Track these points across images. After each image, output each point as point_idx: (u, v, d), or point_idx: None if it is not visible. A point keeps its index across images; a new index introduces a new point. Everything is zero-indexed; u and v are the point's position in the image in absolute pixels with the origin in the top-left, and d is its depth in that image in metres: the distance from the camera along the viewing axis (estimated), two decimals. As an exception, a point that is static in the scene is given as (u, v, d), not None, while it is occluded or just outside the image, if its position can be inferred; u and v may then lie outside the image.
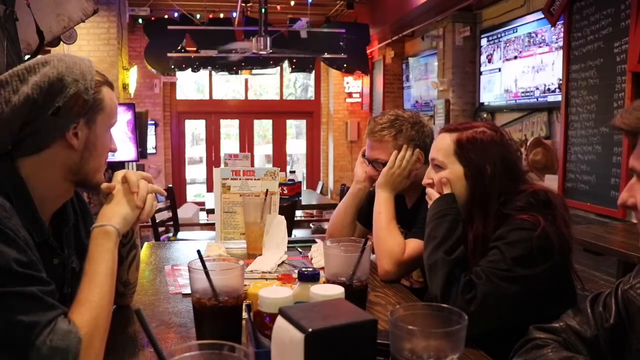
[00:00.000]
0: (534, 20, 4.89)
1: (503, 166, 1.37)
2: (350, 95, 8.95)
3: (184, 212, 6.63)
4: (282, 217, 1.91)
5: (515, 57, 5.22)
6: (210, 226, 5.76)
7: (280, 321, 0.74)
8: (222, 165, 4.82)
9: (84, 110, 1.07)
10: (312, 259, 1.78)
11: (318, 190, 8.29)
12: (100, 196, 1.17)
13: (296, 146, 10.39)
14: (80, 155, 1.10)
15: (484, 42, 5.80)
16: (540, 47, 4.85)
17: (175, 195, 4.91)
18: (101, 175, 1.16)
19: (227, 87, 10.35)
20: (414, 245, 1.67)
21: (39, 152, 1.06)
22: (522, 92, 5.13)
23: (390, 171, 1.79)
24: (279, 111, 9.47)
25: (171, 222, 5.00)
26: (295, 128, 10.61)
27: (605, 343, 1.02)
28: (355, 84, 8.91)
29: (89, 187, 1.17)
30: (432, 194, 1.46)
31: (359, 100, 8.95)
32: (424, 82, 7.29)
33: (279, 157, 9.47)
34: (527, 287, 1.25)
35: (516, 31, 5.19)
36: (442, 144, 1.44)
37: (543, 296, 1.29)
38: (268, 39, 5.71)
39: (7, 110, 1.02)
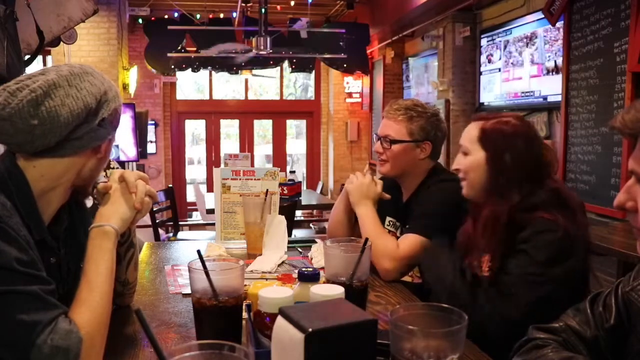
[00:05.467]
0: (534, 20, 4.89)
1: (524, 157, 1.41)
2: (350, 95, 8.95)
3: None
4: (282, 217, 1.91)
5: (515, 57, 5.22)
6: (210, 226, 5.76)
7: (280, 321, 0.75)
8: (222, 165, 4.82)
9: (117, 124, 1.17)
10: (312, 259, 1.79)
11: (318, 190, 8.29)
12: (97, 196, 1.17)
13: (296, 146, 10.40)
14: (97, 162, 1.15)
15: (484, 42, 5.80)
16: (540, 47, 4.85)
17: (175, 195, 4.91)
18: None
19: (227, 87, 10.36)
20: (409, 240, 1.67)
21: (68, 156, 1.08)
22: (522, 92, 5.13)
23: (354, 185, 1.83)
24: (279, 111, 9.47)
25: (171, 222, 5.00)
26: (295, 128, 10.61)
27: (605, 343, 1.02)
28: (355, 84, 8.90)
29: (85, 193, 1.20)
30: None
31: (359, 100, 8.95)
32: (424, 82, 7.29)
33: (279, 157, 9.46)
34: (560, 285, 1.29)
35: (516, 31, 5.19)
36: (470, 132, 1.50)
37: (571, 294, 1.32)
38: (268, 39, 5.71)
39: (64, 114, 1.04)
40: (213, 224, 2.67)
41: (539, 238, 1.30)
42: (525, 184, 1.39)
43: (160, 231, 4.72)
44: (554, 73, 4.65)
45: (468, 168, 1.49)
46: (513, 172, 1.40)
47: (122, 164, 5.39)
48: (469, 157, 1.49)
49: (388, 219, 1.94)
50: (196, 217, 8.10)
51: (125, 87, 7.06)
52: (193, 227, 6.08)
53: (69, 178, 1.11)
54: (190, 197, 9.35)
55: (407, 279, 1.76)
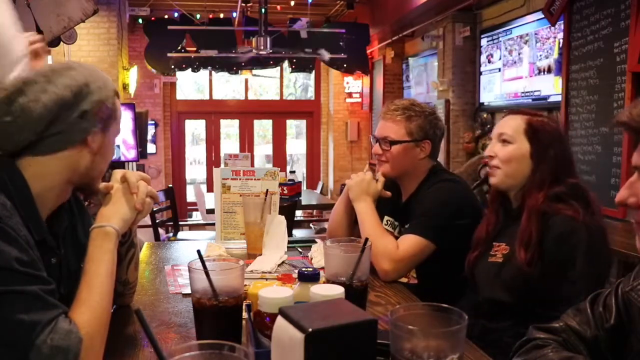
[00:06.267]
0: (534, 20, 4.89)
1: (562, 154, 1.49)
2: (350, 95, 8.95)
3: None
4: (282, 217, 1.91)
5: (515, 57, 5.22)
6: (210, 226, 5.76)
7: (280, 321, 0.75)
8: (222, 165, 4.82)
9: (105, 116, 1.12)
10: (312, 259, 1.79)
11: (318, 190, 8.29)
12: (99, 196, 1.17)
13: (296, 146, 10.39)
14: (92, 159, 1.12)
15: (484, 42, 5.80)
16: (540, 47, 4.85)
17: (175, 195, 4.91)
18: (100, 182, 1.19)
19: (227, 87, 10.35)
20: (409, 240, 1.67)
21: (56, 152, 1.07)
22: (522, 92, 5.13)
23: (354, 180, 1.84)
24: (279, 111, 9.47)
25: (171, 222, 5.00)
26: (295, 128, 10.61)
27: (605, 343, 1.02)
28: (355, 84, 8.90)
29: (88, 192, 1.19)
30: None
31: (359, 100, 8.94)
32: (424, 82, 7.29)
33: (279, 157, 9.46)
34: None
35: (516, 31, 5.19)
36: (512, 122, 1.54)
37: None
38: (268, 39, 5.71)
39: (37, 109, 1.03)
40: (213, 224, 2.68)
41: (572, 250, 1.36)
42: (555, 178, 1.45)
43: (160, 231, 4.72)
44: (553, 73, 4.65)
45: (510, 157, 1.51)
46: (553, 167, 1.46)
47: (122, 164, 5.39)
48: (511, 147, 1.51)
49: (386, 218, 1.94)
50: (196, 217, 8.10)
51: (125, 87, 7.05)
52: (193, 227, 6.08)
53: (64, 176, 1.09)
54: (190, 197, 9.35)
55: (403, 279, 1.75)
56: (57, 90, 1.05)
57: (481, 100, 5.91)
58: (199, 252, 1.05)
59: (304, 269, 1.10)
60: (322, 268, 1.31)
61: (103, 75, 1.15)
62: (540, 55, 4.85)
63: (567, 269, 1.36)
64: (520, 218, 1.46)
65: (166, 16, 7.44)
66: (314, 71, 8.55)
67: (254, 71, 8.31)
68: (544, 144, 1.48)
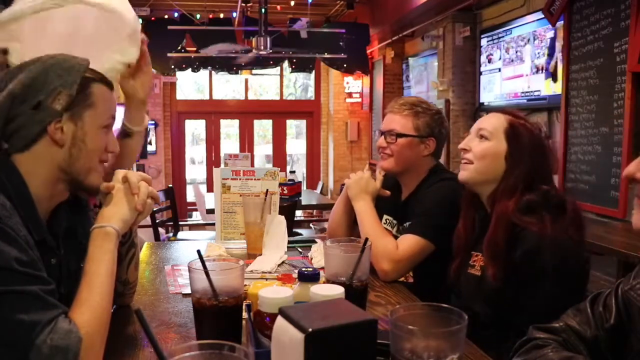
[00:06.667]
0: (534, 20, 4.89)
1: (539, 162, 1.43)
2: (350, 95, 8.94)
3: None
4: (282, 217, 1.91)
5: (515, 57, 5.22)
6: (210, 226, 5.76)
7: (280, 321, 0.75)
8: (222, 165, 4.82)
9: (67, 104, 1.06)
10: (312, 259, 1.79)
11: (318, 190, 8.28)
12: (100, 196, 1.16)
13: (296, 146, 10.39)
14: (68, 152, 1.08)
15: (484, 42, 5.80)
16: (540, 47, 4.85)
17: (175, 195, 4.91)
18: (95, 178, 1.14)
19: (227, 87, 10.35)
20: (408, 240, 1.67)
21: (28, 148, 1.06)
22: (522, 92, 5.13)
23: (353, 179, 1.84)
24: (279, 111, 9.47)
25: (171, 222, 5.00)
26: (295, 128, 10.61)
27: (605, 343, 1.02)
28: (355, 84, 8.90)
29: (82, 188, 1.15)
30: None
31: (359, 100, 8.94)
32: (424, 82, 7.29)
33: (279, 157, 9.46)
34: (562, 288, 1.32)
35: (516, 31, 5.19)
36: (494, 120, 1.49)
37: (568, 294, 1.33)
38: (268, 39, 5.71)
39: None
40: (213, 224, 2.68)
41: (542, 262, 1.31)
42: (528, 185, 1.40)
43: (160, 231, 4.72)
44: (553, 73, 4.65)
45: (484, 153, 1.46)
46: (528, 173, 1.41)
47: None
48: (487, 143, 1.46)
49: (385, 216, 1.94)
50: (196, 217, 8.10)
51: (125, 87, 7.04)
52: (193, 227, 6.08)
53: (47, 172, 1.08)
54: (190, 197, 9.34)
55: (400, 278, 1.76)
56: (10, 86, 1.04)
57: (481, 100, 5.90)
58: (199, 252, 1.05)
59: (304, 269, 1.10)
60: (322, 268, 1.31)
61: (73, 61, 1.08)
62: (539, 53, 4.85)
63: (537, 287, 1.32)
64: None
65: (166, 16, 7.44)
66: (314, 71, 8.55)
67: (254, 70, 8.31)
68: (521, 148, 1.43)
